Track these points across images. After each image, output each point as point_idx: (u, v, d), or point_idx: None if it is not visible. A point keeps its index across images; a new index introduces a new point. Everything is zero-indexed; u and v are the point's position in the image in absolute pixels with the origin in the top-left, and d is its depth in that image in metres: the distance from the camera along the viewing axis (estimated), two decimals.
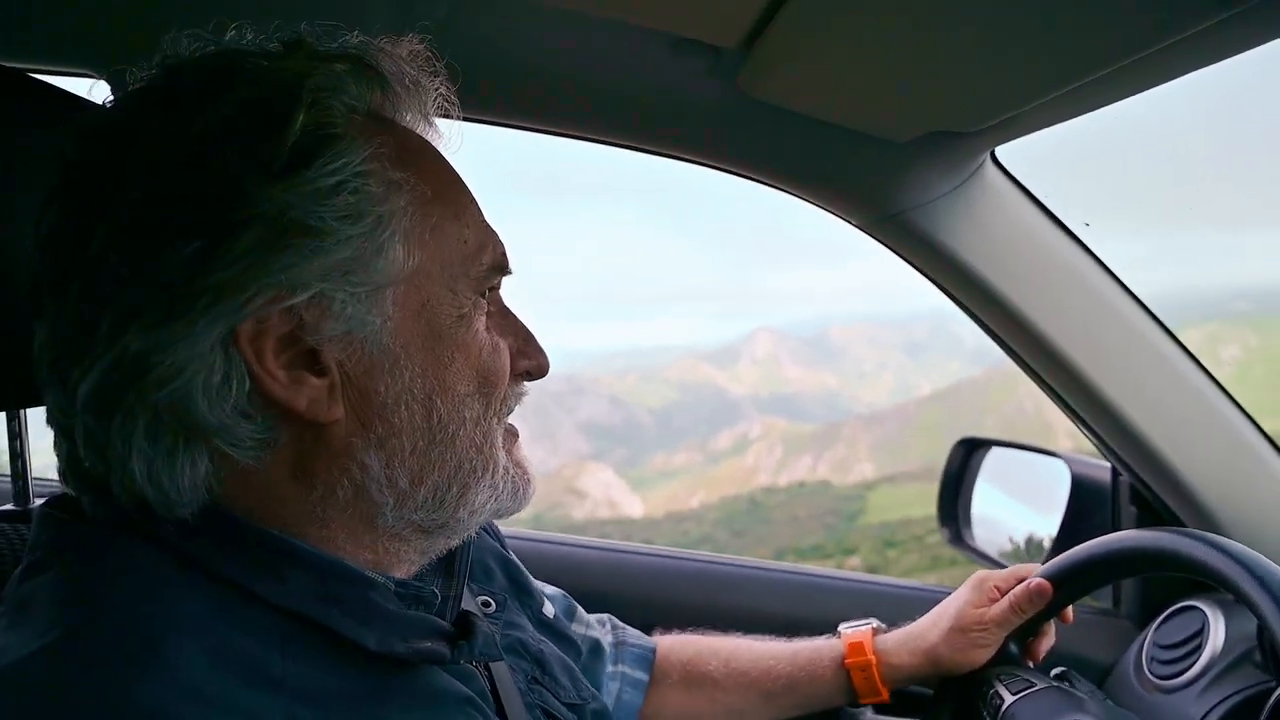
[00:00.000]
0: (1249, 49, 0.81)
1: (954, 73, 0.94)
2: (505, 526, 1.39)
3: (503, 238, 0.70)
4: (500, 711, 0.73)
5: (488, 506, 0.68)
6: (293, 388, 0.59)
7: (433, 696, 0.63)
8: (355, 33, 0.66)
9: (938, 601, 1.45)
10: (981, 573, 1.09)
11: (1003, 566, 1.44)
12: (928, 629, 1.08)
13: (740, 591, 1.47)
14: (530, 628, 0.87)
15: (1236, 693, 1.16)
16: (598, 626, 1.09)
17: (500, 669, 0.76)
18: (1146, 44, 0.77)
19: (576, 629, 1.03)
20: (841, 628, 1.11)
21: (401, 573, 0.68)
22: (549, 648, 0.85)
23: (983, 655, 1.05)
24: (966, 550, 1.51)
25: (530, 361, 0.73)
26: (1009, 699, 1.00)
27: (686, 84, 1.05)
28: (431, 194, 0.64)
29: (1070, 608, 1.07)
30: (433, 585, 0.70)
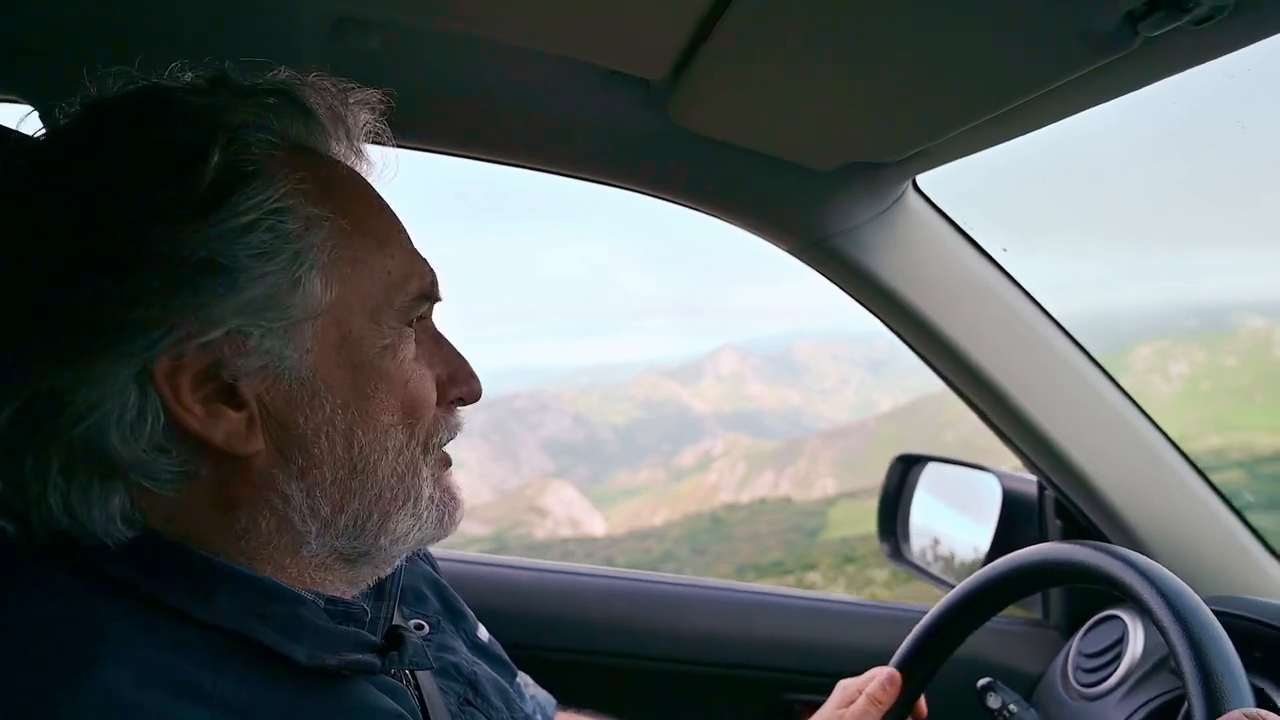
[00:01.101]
0: (1161, 79, 0.85)
1: (873, 106, 0.98)
2: (459, 551, 1.39)
3: (441, 259, 0.71)
4: None
5: (411, 535, 0.69)
6: (209, 422, 0.59)
7: (364, 713, 0.64)
8: (283, 69, 0.67)
9: (887, 618, 1.48)
10: (843, 681, 1.10)
11: (940, 580, 1.48)
12: None
13: (694, 612, 1.47)
14: (464, 650, 0.87)
15: (1154, 698, 1.20)
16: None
17: (431, 690, 0.77)
18: (1059, 76, 0.81)
19: None
20: None
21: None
22: (483, 670, 0.86)
23: None
24: (905, 564, 1.54)
25: (462, 388, 0.73)
26: None
27: (617, 114, 1.08)
28: (352, 226, 0.65)
29: (923, 702, 1.08)
30: (363, 605, 0.70)
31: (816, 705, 1.39)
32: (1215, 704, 0.72)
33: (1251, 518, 1.30)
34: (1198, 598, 0.79)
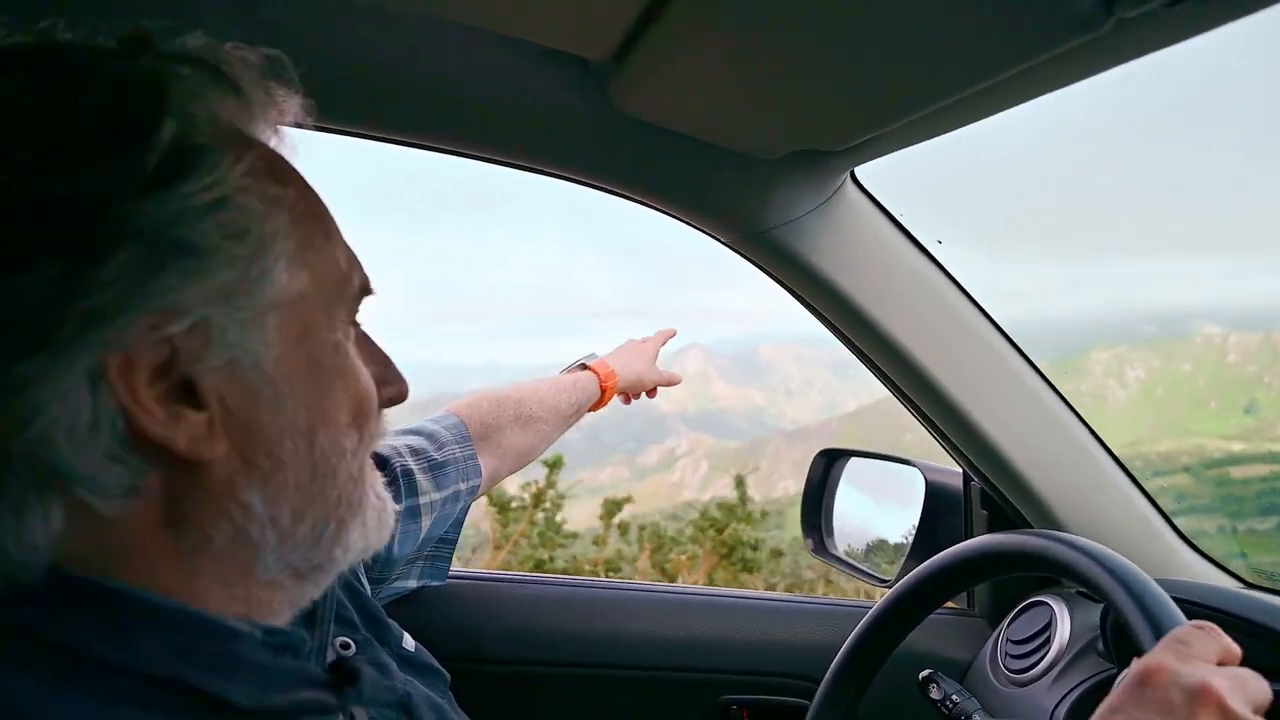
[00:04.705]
0: (1129, 61, 0.84)
1: (819, 93, 0.97)
2: None
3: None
4: None
5: (357, 545, 0.66)
6: (171, 424, 0.53)
7: None
8: (196, 33, 0.60)
9: (825, 613, 1.49)
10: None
11: (865, 574, 1.50)
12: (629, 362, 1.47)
13: (628, 615, 1.44)
14: (394, 667, 0.81)
15: (1083, 682, 1.23)
16: (417, 481, 1.14)
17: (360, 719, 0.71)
18: (1028, 57, 0.80)
19: (424, 501, 1.13)
20: (585, 360, 1.46)
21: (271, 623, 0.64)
22: (415, 688, 0.80)
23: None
24: (829, 558, 1.56)
25: (392, 389, 0.70)
26: None
27: (553, 95, 1.04)
28: (303, 212, 0.61)
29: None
30: (302, 633, 0.66)
31: (756, 707, 1.41)
32: (1159, 627, 0.76)
33: (1185, 521, 1.35)
34: (1149, 578, 0.84)
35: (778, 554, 6.35)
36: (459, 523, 1.26)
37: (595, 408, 1.44)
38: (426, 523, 1.14)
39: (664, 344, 1.56)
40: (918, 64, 0.87)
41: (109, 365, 0.51)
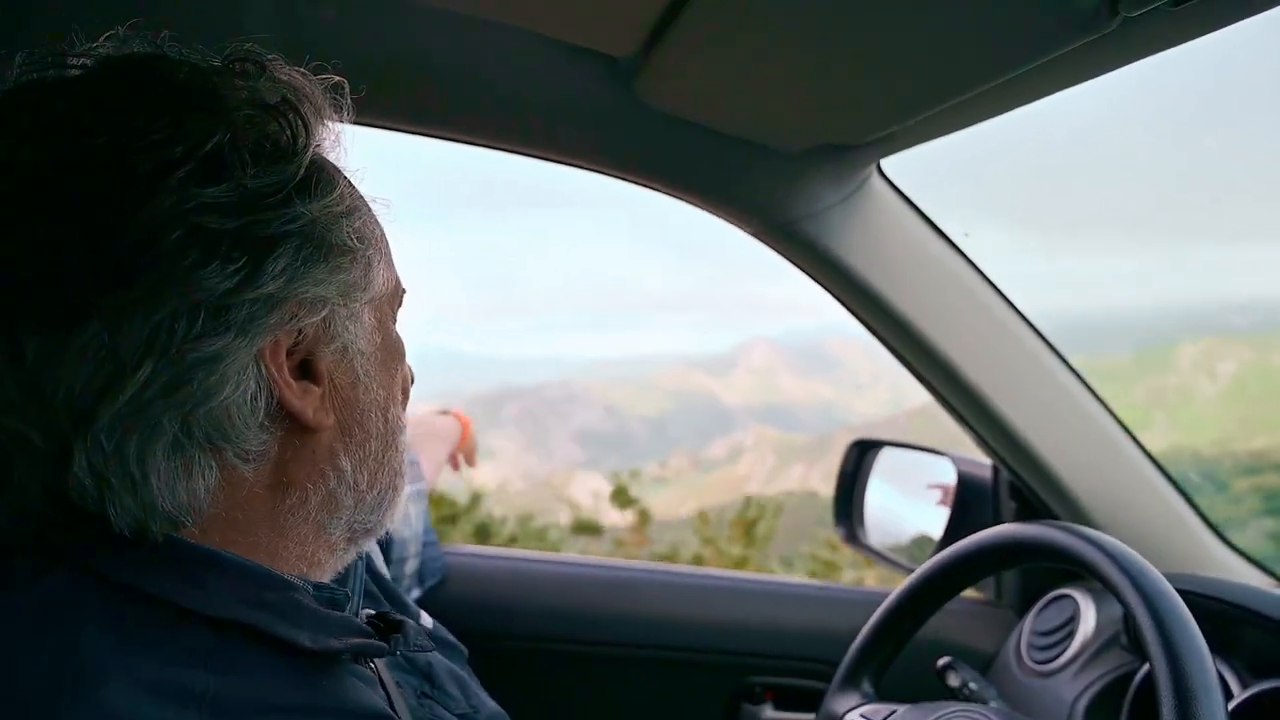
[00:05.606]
0: (1138, 59, 0.85)
1: (842, 87, 1.00)
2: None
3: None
4: None
5: (396, 513, 0.74)
6: (303, 398, 0.62)
7: (356, 709, 0.63)
8: (273, 57, 0.65)
9: (848, 600, 1.51)
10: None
11: (895, 564, 1.51)
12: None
13: (654, 597, 1.48)
14: (427, 641, 0.85)
15: (1106, 674, 1.23)
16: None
17: (390, 684, 0.76)
18: (1036, 55, 0.82)
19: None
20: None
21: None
22: (436, 659, 0.86)
23: None
24: (861, 548, 1.57)
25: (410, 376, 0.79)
26: None
27: (582, 91, 1.09)
28: (381, 226, 0.71)
29: None
30: (345, 591, 0.71)
31: (780, 688, 1.44)
32: (1163, 627, 0.76)
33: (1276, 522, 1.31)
34: (1163, 578, 0.82)
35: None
36: (430, 527, 1.34)
37: (451, 454, 1.53)
38: (413, 511, 1.24)
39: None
40: (935, 59, 0.89)
41: (266, 346, 0.59)
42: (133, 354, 0.55)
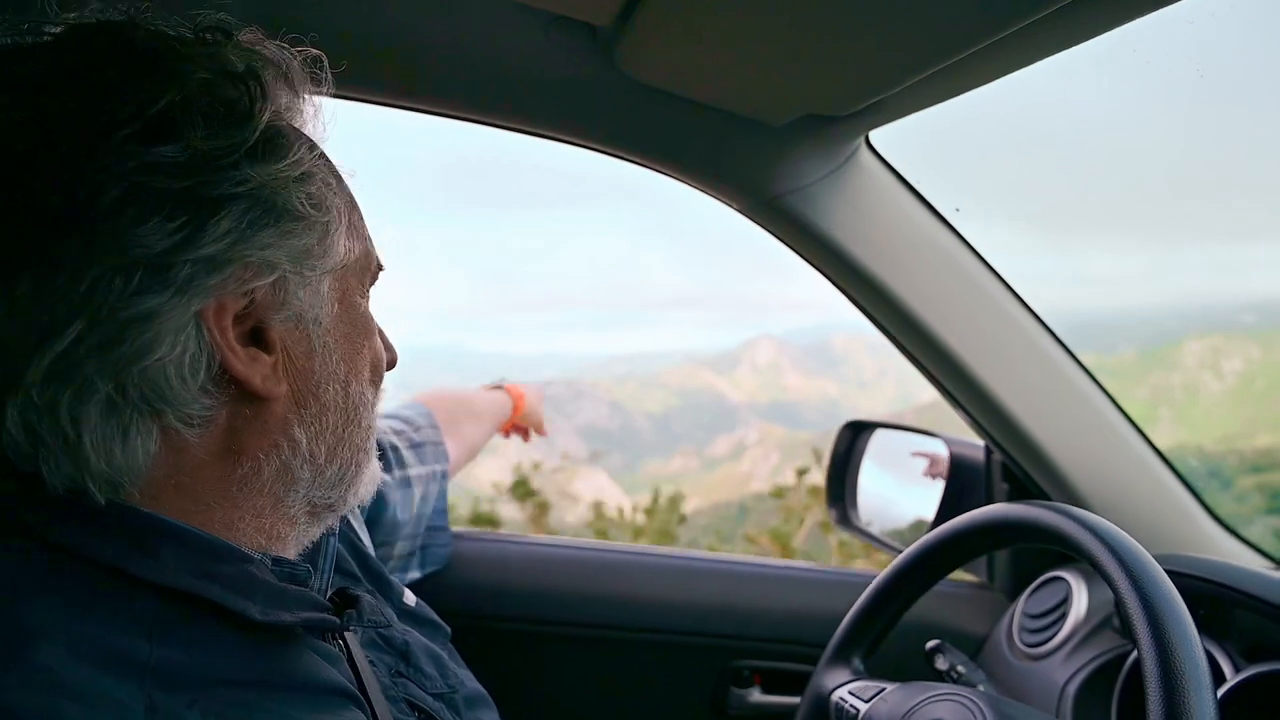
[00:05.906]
0: (1128, 21, 0.83)
1: (824, 53, 0.97)
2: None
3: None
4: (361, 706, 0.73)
5: (362, 491, 0.74)
6: (250, 365, 0.61)
7: (312, 685, 0.63)
8: (251, 28, 0.67)
9: (836, 582, 1.49)
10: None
11: (888, 546, 1.49)
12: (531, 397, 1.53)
13: (643, 580, 1.47)
14: (394, 618, 0.86)
15: (1097, 657, 1.22)
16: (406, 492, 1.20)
17: (361, 661, 0.75)
18: (1022, 17, 0.80)
19: (414, 474, 1.20)
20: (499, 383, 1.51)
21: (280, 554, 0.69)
22: (414, 638, 0.85)
23: None
24: (853, 530, 1.55)
25: (389, 355, 0.78)
26: (862, 707, 0.99)
27: (562, 61, 1.06)
28: (349, 196, 0.71)
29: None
30: (307, 566, 0.71)
31: (767, 671, 1.42)
32: (1151, 608, 0.74)
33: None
34: (1152, 560, 0.79)
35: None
36: (443, 511, 1.31)
37: (504, 425, 1.52)
38: (417, 494, 1.21)
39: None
40: (920, 23, 0.86)
41: (208, 308, 0.59)
42: (65, 309, 0.55)
